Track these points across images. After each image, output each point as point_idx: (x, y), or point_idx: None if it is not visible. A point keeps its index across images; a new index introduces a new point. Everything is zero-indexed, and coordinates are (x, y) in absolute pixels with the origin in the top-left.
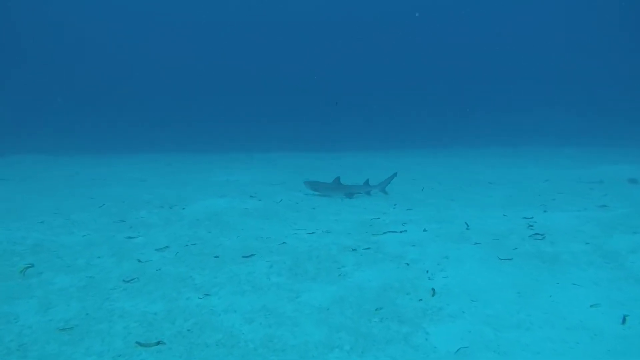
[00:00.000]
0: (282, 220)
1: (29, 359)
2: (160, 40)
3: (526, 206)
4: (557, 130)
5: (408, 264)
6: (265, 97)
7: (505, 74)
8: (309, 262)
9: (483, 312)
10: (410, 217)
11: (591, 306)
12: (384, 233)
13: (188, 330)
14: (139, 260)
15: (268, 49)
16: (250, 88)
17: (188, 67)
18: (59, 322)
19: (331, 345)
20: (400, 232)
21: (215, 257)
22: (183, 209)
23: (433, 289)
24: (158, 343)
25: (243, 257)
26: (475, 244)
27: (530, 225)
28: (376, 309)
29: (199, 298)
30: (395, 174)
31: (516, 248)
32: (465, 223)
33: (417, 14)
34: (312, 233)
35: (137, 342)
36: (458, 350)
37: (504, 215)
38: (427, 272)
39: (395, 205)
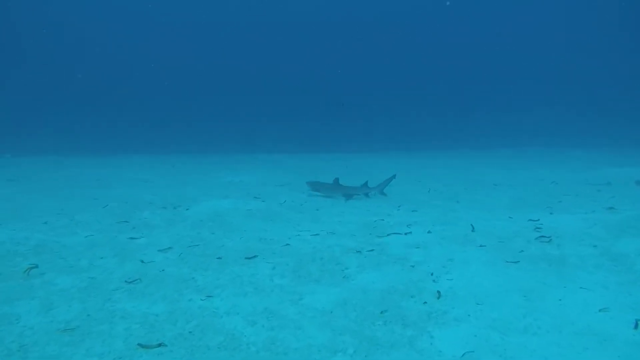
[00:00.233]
0: (285, 221)
1: None
2: (165, 42)
3: (532, 208)
4: (562, 132)
5: (412, 266)
6: (270, 98)
7: (510, 75)
8: (312, 264)
9: (489, 315)
10: (414, 218)
11: (600, 310)
12: (388, 235)
13: (190, 332)
14: (142, 261)
15: (273, 50)
16: (255, 89)
17: (192, 68)
18: (60, 323)
19: (334, 349)
20: (405, 234)
21: (217, 258)
22: (186, 210)
23: (438, 292)
24: (159, 345)
25: (246, 258)
26: (481, 246)
27: (538, 228)
28: (380, 312)
29: (201, 300)
30: (394, 176)
31: (522, 251)
32: (471, 225)
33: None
34: (316, 235)
35: (138, 344)
36: (464, 354)
37: (510, 217)
38: (432, 274)
39: (399, 206)
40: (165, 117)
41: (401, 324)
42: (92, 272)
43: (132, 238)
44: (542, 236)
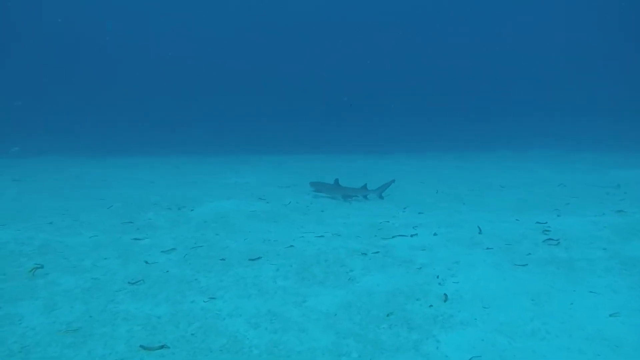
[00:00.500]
0: (289, 223)
1: None
2: (171, 43)
3: (539, 210)
4: (567, 134)
5: (418, 269)
6: (275, 99)
7: (515, 77)
8: (316, 265)
9: (496, 319)
10: (420, 220)
11: (610, 315)
12: (393, 237)
13: (192, 334)
14: (146, 262)
15: (278, 51)
16: (260, 90)
17: (196, 69)
18: (63, 324)
19: (338, 353)
20: (411, 236)
21: (221, 259)
22: (190, 210)
23: (445, 295)
24: (162, 347)
25: (249, 260)
26: (487, 249)
27: (546, 230)
28: (385, 315)
29: (204, 301)
30: (393, 181)
31: (530, 253)
32: (478, 227)
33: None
34: (321, 236)
35: (141, 346)
36: (471, 359)
37: (517, 219)
38: (438, 277)
39: (405, 208)
40: (170, 119)
41: (406, 328)
42: (96, 272)
43: (136, 239)
44: (550, 239)
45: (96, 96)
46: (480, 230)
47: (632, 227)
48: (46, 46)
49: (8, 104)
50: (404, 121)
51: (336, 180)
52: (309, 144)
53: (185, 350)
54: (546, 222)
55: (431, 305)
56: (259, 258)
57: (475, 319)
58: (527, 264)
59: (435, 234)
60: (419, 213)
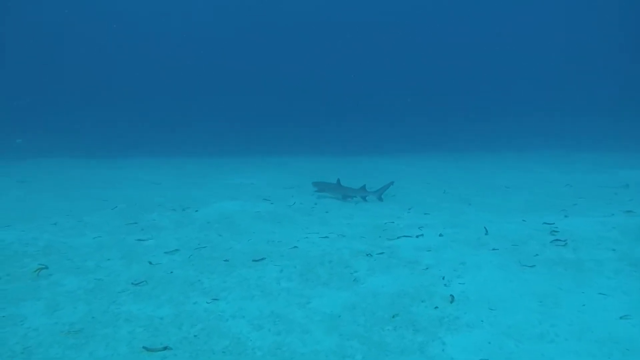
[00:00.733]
0: (294, 224)
1: None
2: (175, 44)
3: (546, 211)
4: (570, 135)
5: (423, 270)
6: (280, 100)
7: (518, 78)
8: (320, 266)
9: (503, 321)
10: (425, 221)
11: (621, 317)
12: (398, 238)
13: (195, 335)
14: (150, 263)
15: (283, 52)
16: (264, 91)
17: (202, 70)
18: (65, 325)
19: (342, 355)
20: (416, 236)
21: (225, 260)
22: (195, 211)
23: (452, 296)
24: (165, 348)
25: (253, 261)
26: (493, 249)
27: (554, 231)
28: (390, 317)
29: (207, 303)
30: (392, 183)
31: (537, 254)
32: (484, 228)
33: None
34: (325, 237)
35: (143, 347)
36: None
37: (523, 220)
38: (443, 278)
39: (409, 209)
40: (175, 120)
41: (411, 330)
42: (99, 273)
43: (140, 240)
44: (557, 240)
45: (101, 97)
46: (486, 231)
47: None
48: (49, 46)
49: (11, 104)
50: (407, 122)
51: (338, 181)
52: (314, 145)
53: (187, 351)
54: (553, 223)
55: (437, 307)
56: (262, 259)
57: (482, 321)
58: (534, 265)
59: (440, 235)
60: (424, 214)
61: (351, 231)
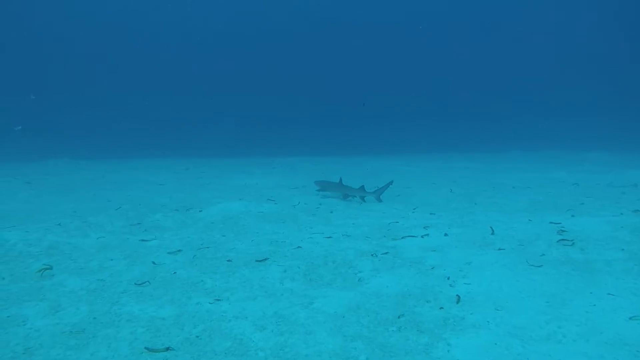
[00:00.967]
0: (298, 224)
1: None
2: (182, 47)
3: (552, 211)
4: (578, 134)
5: (428, 270)
6: (286, 101)
7: (525, 78)
8: (324, 267)
9: (509, 322)
10: (430, 221)
11: (630, 318)
12: (403, 238)
13: (197, 336)
14: (153, 263)
15: (289, 54)
16: (269, 92)
17: (209, 72)
18: (67, 325)
19: (346, 356)
20: (422, 236)
21: (228, 261)
22: (199, 212)
23: (458, 296)
24: (167, 349)
25: (256, 261)
26: (500, 249)
27: (562, 231)
28: (394, 318)
29: (210, 303)
30: (391, 182)
31: (544, 254)
32: (490, 228)
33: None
34: (329, 237)
35: (146, 348)
36: None
37: (530, 220)
38: (449, 278)
39: (415, 209)
40: (180, 121)
41: (416, 331)
42: (102, 274)
43: (143, 240)
44: (564, 239)
45: (106, 99)
46: (492, 230)
47: None
48: (57, 48)
49: (14, 105)
50: (413, 123)
51: (340, 180)
52: (320, 146)
53: (189, 352)
54: (560, 223)
55: (442, 308)
56: (266, 259)
57: (488, 322)
58: (541, 265)
59: (446, 235)
60: (429, 214)
61: (355, 231)
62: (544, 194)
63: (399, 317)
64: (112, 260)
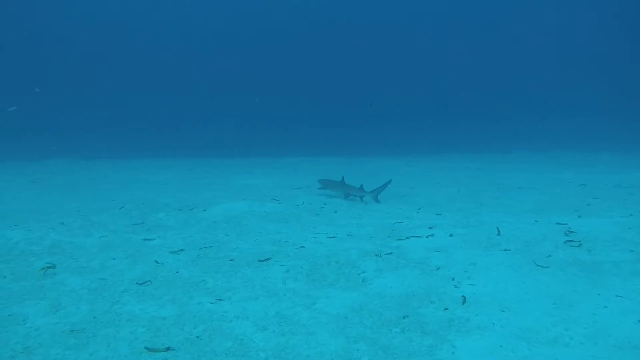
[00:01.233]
0: (301, 224)
1: None
2: (183, 47)
3: (559, 211)
4: (586, 135)
5: (432, 271)
6: (290, 102)
7: (531, 78)
8: (327, 267)
9: (515, 324)
10: (435, 221)
11: (639, 321)
12: (407, 238)
13: (197, 336)
14: (154, 262)
15: (295, 53)
16: (274, 92)
17: (211, 72)
18: (67, 325)
19: (348, 357)
20: (427, 237)
21: (230, 260)
22: (202, 211)
23: (463, 297)
24: (167, 349)
25: (259, 261)
26: (505, 250)
27: (570, 231)
28: (398, 319)
29: (211, 303)
30: (389, 182)
31: (550, 255)
32: (497, 228)
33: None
34: (332, 237)
35: (145, 348)
36: None
37: (536, 220)
38: (453, 279)
39: (419, 209)
40: (183, 122)
41: (420, 332)
42: (104, 273)
43: (145, 239)
44: (571, 240)
45: (109, 99)
46: (498, 231)
47: None
48: (57, 49)
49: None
50: (417, 123)
51: (342, 179)
52: (323, 147)
53: (189, 353)
54: (567, 224)
55: (446, 309)
56: (268, 259)
57: (493, 324)
58: (547, 266)
59: (451, 235)
60: (434, 214)
61: (359, 231)
62: (550, 195)
63: (402, 318)
64: (114, 259)
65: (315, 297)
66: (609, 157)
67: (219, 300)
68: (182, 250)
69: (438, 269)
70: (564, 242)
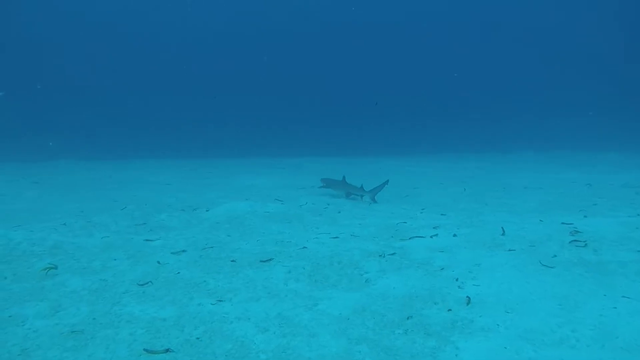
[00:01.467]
0: (304, 224)
1: None
2: (189, 49)
3: (564, 211)
4: (593, 135)
5: (436, 271)
6: (294, 102)
7: (536, 78)
8: (329, 267)
9: (520, 325)
10: (439, 221)
11: None
12: (410, 238)
13: (197, 338)
14: (156, 263)
15: (299, 52)
16: (278, 92)
17: (215, 73)
18: (66, 326)
19: (349, 359)
20: (431, 237)
21: (231, 261)
22: (205, 211)
23: (468, 297)
24: (166, 351)
25: (261, 261)
26: (510, 250)
27: (575, 231)
28: (400, 320)
29: (212, 304)
30: (386, 182)
31: (555, 255)
32: (502, 228)
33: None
34: (335, 237)
35: (144, 349)
36: None
37: (541, 220)
38: (457, 280)
39: (423, 209)
40: (186, 121)
41: (423, 334)
42: (105, 274)
43: (147, 240)
44: (577, 240)
45: (111, 99)
46: (503, 231)
47: None
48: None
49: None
50: (421, 123)
51: (343, 178)
52: (327, 147)
53: (189, 354)
54: (572, 223)
55: (450, 310)
56: (270, 260)
57: (498, 325)
58: (553, 266)
59: (455, 235)
60: (438, 214)
61: (362, 231)
62: (556, 194)
63: (405, 320)
64: (115, 260)
65: (317, 298)
66: (615, 157)
67: (220, 301)
68: (183, 250)
69: (442, 269)
70: (570, 242)
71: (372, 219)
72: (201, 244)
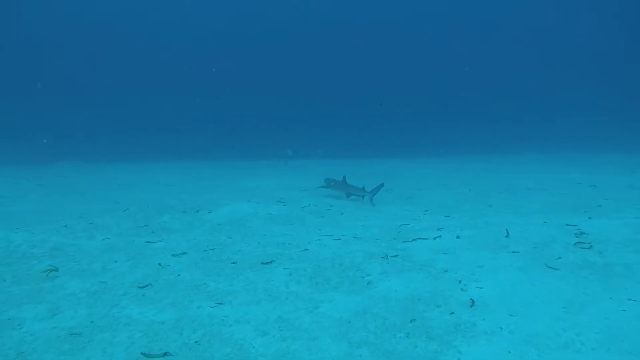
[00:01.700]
0: (306, 226)
1: None
2: (193, 51)
3: (569, 213)
4: (598, 136)
5: (439, 274)
6: (298, 102)
7: (541, 80)
8: (331, 270)
9: (524, 328)
10: (442, 223)
11: None
12: (413, 240)
13: (195, 342)
14: (156, 265)
15: (305, 53)
16: (282, 93)
17: (220, 75)
18: (63, 329)
19: None
20: (434, 238)
21: (232, 263)
22: (207, 213)
23: (472, 300)
24: (164, 355)
25: (262, 263)
26: (514, 252)
27: (580, 232)
28: (402, 323)
29: (211, 307)
30: (382, 184)
31: (560, 257)
32: (506, 230)
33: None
34: (337, 239)
35: (142, 353)
36: None
37: (545, 222)
38: (460, 282)
39: (426, 211)
40: (189, 123)
41: (425, 337)
42: (104, 276)
43: (148, 242)
44: (582, 242)
45: (114, 102)
46: (507, 233)
47: None
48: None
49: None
50: (425, 125)
51: (344, 178)
52: (331, 148)
53: (187, 358)
54: (577, 225)
55: (452, 313)
56: (271, 262)
57: (501, 328)
58: (557, 269)
59: (458, 237)
60: (441, 216)
61: (365, 233)
62: (560, 196)
63: (407, 323)
64: (115, 262)
65: (318, 301)
66: (619, 158)
67: (220, 304)
68: (184, 253)
69: (445, 271)
70: (574, 244)
71: (375, 220)
72: (202, 246)
